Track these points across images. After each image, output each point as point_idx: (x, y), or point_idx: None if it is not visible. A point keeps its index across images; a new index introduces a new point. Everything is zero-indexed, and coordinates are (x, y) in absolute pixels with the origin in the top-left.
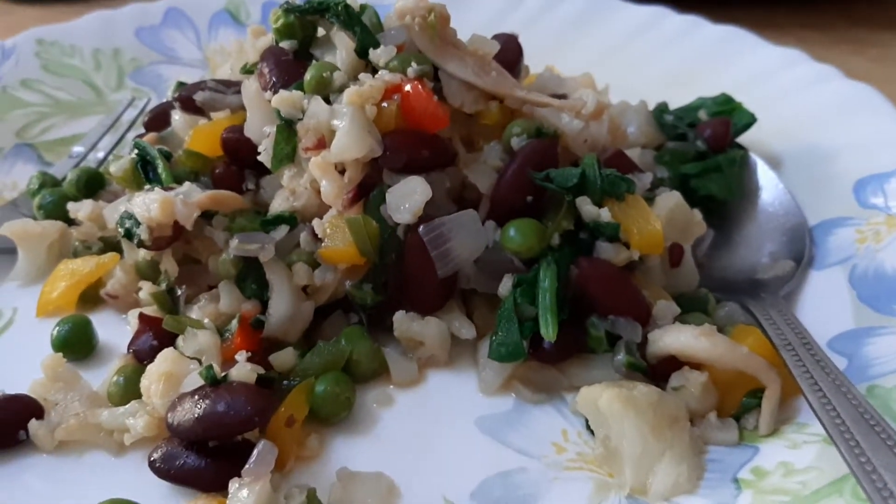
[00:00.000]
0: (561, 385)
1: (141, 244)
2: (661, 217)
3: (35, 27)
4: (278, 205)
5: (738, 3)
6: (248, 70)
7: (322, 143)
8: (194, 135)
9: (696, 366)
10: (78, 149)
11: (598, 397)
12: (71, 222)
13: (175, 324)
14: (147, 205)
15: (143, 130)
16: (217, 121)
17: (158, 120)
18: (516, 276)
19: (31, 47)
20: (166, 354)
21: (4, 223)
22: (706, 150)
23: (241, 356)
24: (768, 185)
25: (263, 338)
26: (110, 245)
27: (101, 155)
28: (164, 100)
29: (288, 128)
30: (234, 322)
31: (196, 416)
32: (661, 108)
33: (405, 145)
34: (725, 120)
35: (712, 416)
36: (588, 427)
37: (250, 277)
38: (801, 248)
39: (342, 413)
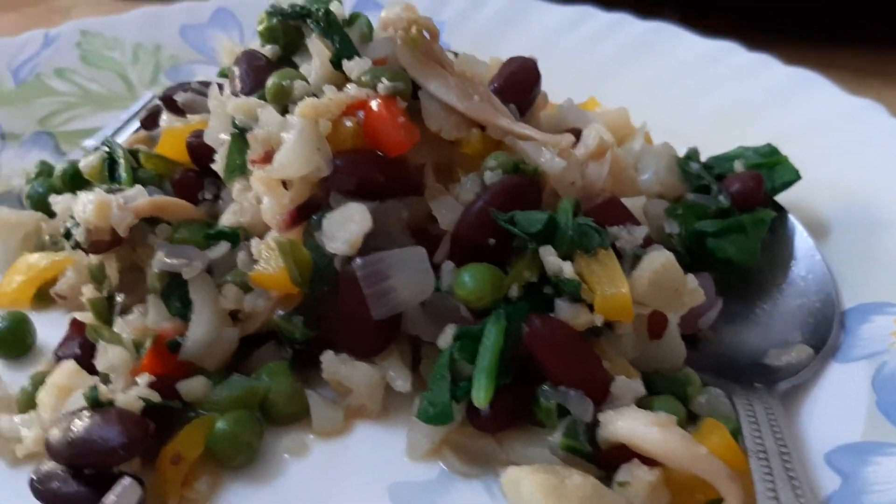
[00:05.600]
0: (497, 459)
1: (77, 245)
2: (642, 278)
3: (84, 18)
4: (226, 219)
5: (840, 47)
6: (223, 73)
7: (269, 157)
8: (164, 137)
9: (651, 461)
10: (90, 142)
11: (521, 481)
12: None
13: (94, 334)
14: (84, 205)
15: None
16: (190, 124)
17: (151, 118)
18: (459, 327)
19: (73, 37)
20: (66, 366)
21: None
22: (729, 206)
23: (142, 379)
24: (804, 254)
25: (185, 362)
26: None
27: None
28: None
29: (241, 137)
30: (148, 340)
31: (69, 439)
32: (689, 155)
33: (358, 167)
34: (757, 174)
35: None
36: None
37: (175, 294)
38: (826, 334)
39: (239, 458)
